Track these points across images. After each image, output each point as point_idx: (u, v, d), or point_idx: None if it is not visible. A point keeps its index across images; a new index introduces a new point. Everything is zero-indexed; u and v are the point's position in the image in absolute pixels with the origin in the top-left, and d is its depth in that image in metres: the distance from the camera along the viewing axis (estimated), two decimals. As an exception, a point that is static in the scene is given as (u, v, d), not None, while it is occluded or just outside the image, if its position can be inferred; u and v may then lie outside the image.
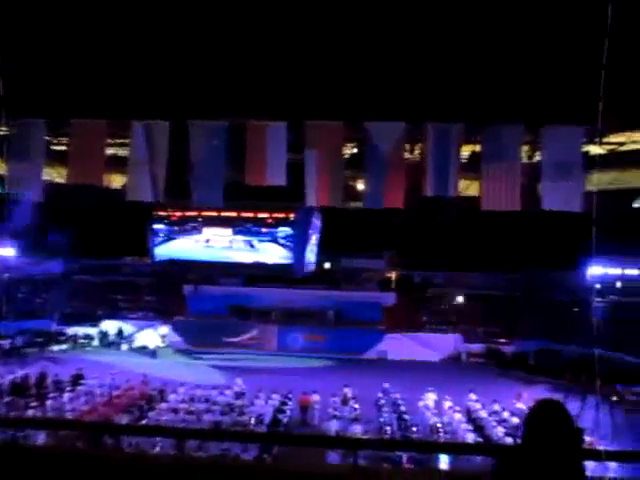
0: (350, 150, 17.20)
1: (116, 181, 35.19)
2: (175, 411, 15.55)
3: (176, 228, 22.68)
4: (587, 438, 13.94)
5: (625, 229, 23.94)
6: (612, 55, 6.59)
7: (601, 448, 9.26)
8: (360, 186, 27.64)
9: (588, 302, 26.25)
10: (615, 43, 6.60)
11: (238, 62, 18.57)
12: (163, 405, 16.45)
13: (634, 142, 25.10)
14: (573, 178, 12.05)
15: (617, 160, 26.37)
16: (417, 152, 16.70)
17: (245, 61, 18.52)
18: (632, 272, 27.51)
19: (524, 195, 14.71)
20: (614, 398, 20.92)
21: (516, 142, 12.02)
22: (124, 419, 14.80)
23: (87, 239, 32.19)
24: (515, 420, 15.78)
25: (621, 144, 25.34)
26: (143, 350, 29.13)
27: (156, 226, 22.79)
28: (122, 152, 25.29)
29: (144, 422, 14.55)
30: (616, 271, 27.70)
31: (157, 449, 10.95)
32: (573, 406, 19.69)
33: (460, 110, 15.88)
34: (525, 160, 17.95)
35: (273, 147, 13.00)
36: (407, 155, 16.82)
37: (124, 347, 29.53)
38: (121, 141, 23.58)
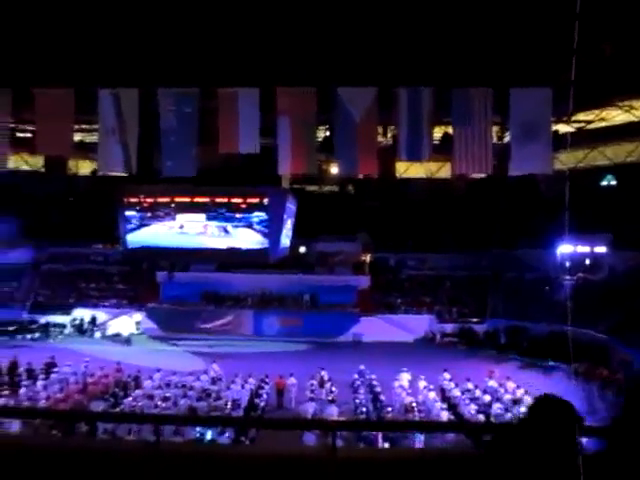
0: (323, 133, 17.13)
1: (84, 167, 34.41)
2: (150, 397, 15.45)
3: (149, 214, 22.17)
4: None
5: (593, 207, 24.57)
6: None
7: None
8: (333, 170, 27.67)
9: (557, 280, 27.04)
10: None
11: (209, 27, 18.12)
12: (138, 392, 16.33)
13: (602, 120, 25.62)
14: (542, 140, 12.18)
15: (585, 138, 26.92)
16: (390, 135, 16.74)
17: (216, 26, 18.08)
18: (600, 249, 28.23)
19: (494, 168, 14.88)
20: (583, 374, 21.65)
21: (485, 104, 12.07)
22: (99, 406, 14.63)
23: (56, 227, 31.43)
24: (487, 398, 16.25)
25: (589, 122, 25.84)
26: (117, 338, 28.80)
27: (128, 213, 22.23)
28: (89, 138, 24.64)
29: (119, 409, 14.44)
30: (585, 249, 28.35)
31: (131, 436, 10.90)
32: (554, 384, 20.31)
33: (430, 74, 15.84)
34: (495, 140, 18.21)
35: (245, 114, 12.80)
36: (380, 138, 16.88)
37: (97, 335, 29.11)
38: (88, 127, 22.94)
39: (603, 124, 25.63)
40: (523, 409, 14.93)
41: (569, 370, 21.66)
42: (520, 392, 16.66)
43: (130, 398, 15.66)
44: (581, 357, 21.34)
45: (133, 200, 22.54)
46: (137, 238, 22.60)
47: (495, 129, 17.12)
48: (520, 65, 16.68)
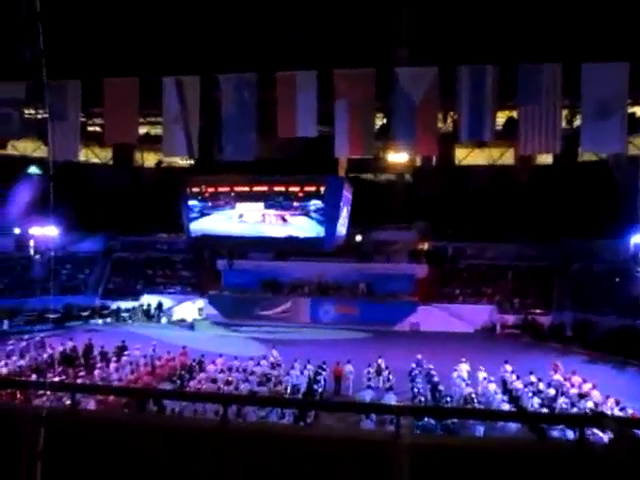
0: (380, 121, 16.96)
1: (150, 159, 36.07)
2: (214, 381, 16.12)
3: (210, 203, 23.00)
4: (630, 409, 13.77)
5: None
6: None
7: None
8: (390, 157, 27.33)
9: (630, 272, 25.43)
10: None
11: (267, 12, 18.35)
12: (202, 375, 17.08)
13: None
14: (616, 118, 11.43)
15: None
16: (449, 121, 16.30)
17: (275, 11, 18.27)
18: (677, 240, 26.19)
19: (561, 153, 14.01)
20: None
21: (555, 81, 11.46)
22: (167, 387, 15.48)
23: (125, 217, 33.26)
24: (551, 391, 15.65)
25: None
26: (182, 323, 30.19)
27: (190, 202, 23.18)
28: (154, 130, 25.78)
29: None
30: (659, 239, 26.40)
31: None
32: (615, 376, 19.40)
33: (494, 52, 15.19)
34: (565, 125, 17.26)
35: (303, 97, 12.94)
36: (440, 125, 16.46)
37: (164, 320, 30.63)
38: (153, 119, 24.00)
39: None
40: (590, 404, 14.29)
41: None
42: (587, 387, 15.91)
43: (195, 381, 16.43)
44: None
45: (195, 190, 23.45)
46: (199, 226, 23.54)
47: (564, 112, 16.20)
48: (593, 40, 15.64)
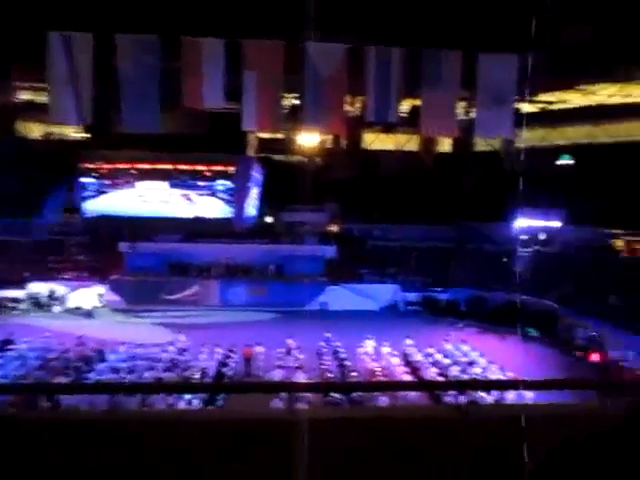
0: (291, 102, 16.85)
1: (35, 131, 32.55)
2: (116, 371, 15.30)
3: (107, 182, 21.39)
4: (509, 373, 15.36)
5: (550, 184, 25.57)
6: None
7: (521, 379, 10.20)
8: (301, 138, 27.41)
9: (515, 252, 28.15)
10: None
11: None
12: (102, 365, 16.12)
13: (562, 102, 26.49)
14: (506, 105, 12.45)
15: (546, 118, 27.90)
16: (358, 105, 16.62)
17: None
18: (555, 224, 29.63)
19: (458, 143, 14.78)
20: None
21: (454, 68, 12.16)
22: (62, 381, 14.37)
23: (6, 196, 29.93)
24: (446, 361, 17.00)
25: (550, 103, 26.64)
26: (78, 311, 28.08)
27: (84, 179, 21.35)
28: (39, 99, 23.22)
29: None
30: (540, 223, 29.68)
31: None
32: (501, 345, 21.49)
33: (401, 37, 15.59)
34: (463, 116, 18.41)
35: (210, 66, 12.32)
36: (348, 108, 16.74)
37: (57, 309, 28.26)
38: (38, 85, 21.52)
39: (564, 106, 26.52)
40: (478, 370, 15.77)
41: (521, 335, 23.02)
42: (474, 354, 17.62)
43: (94, 372, 15.46)
44: (533, 323, 22.83)
45: (90, 166, 21.65)
46: (95, 207, 21.88)
47: (462, 104, 17.25)
48: (490, 33, 16.67)
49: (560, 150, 30.68)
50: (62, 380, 14.55)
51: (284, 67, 12.21)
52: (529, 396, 10.44)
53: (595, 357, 19.73)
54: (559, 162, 30.81)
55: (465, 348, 18.52)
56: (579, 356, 20.68)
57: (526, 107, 23.51)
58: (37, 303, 28.27)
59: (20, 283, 29.13)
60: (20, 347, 17.68)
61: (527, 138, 27.31)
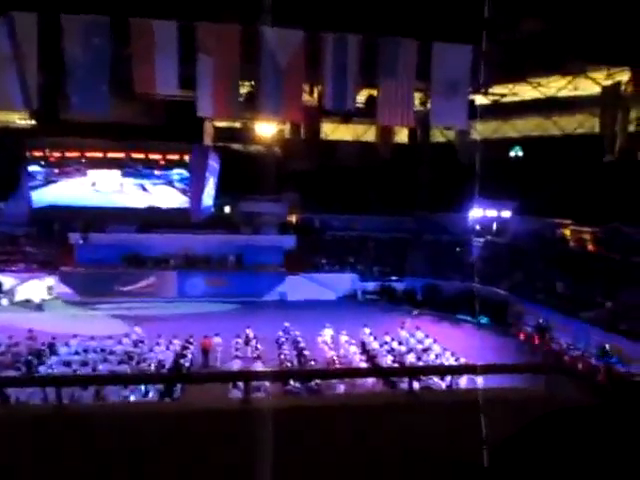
0: (247, 89, 16.65)
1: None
2: (68, 364, 14.87)
3: (56, 170, 20.42)
4: (463, 359, 15.96)
5: (502, 175, 26.45)
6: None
7: (471, 365, 10.69)
8: (258, 128, 27.13)
9: (469, 242, 29.09)
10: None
11: None
12: (54, 359, 15.63)
13: (514, 94, 27.27)
14: (460, 95, 12.74)
15: (499, 111, 28.69)
16: (315, 95, 16.64)
17: None
18: (506, 214, 30.74)
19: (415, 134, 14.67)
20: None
21: (410, 57, 12.34)
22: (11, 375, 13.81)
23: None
24: (402, 348, 17.47)
25: (503, 95, 27.40)
26: (27, 304, 26.95)
27: (31, 168, 20.33)
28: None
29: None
30: (493, 213, 30.69)
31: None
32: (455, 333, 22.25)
33: (358, 23, 15.58)
34: (418, 107, 18.74)
35: (162, 49, 11.91)
36: (307, 97, 16.71)
37: (4, 302, 27.04)
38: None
39: (515, 99, 27.29)
40: (432, 356, 16.31)
41: (474, 322, 23.93)
42: (428, 341, 18.19)
43: (45, 366, 14.98)
44: (484, 311, 23.74)
45: (38, 154, 20.63)
46: (44, 196, 20.94)
47: (418, 95, 17.58)
48: (445, 23, 16.92)
49: (512, 142, 31.70)
50: (12, 374, 14.01)
51: (240, 54, 12.03)
52: (480, 382, 10.94)
53: (540, 342, 20.81)
54: (511, 154, 31.89)
55: (420, 335, 19.08)
56: (526, 342, 21.73)
57: (479, 99, 24.16)
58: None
59: (-37, 276, 27.67)
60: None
61: (481, 130, 28.07)
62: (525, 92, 26.71)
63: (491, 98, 26.55)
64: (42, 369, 14.67)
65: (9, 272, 28.51)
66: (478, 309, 23.26)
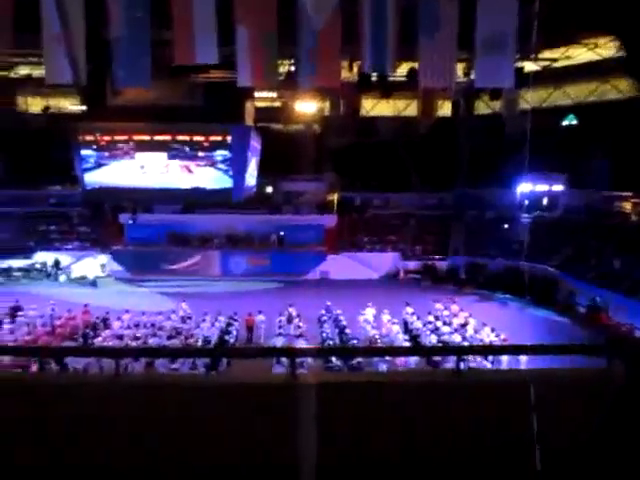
0: (285, 68, 16.54)
1: (34, 105, 32.21)
2: (120, 337, 15.64)
3: (106, 154, 21.18)
4: (502, 335, 15.65)
5: (553, 146, 25.11)
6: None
7: (515, 344, 10.44)
8: (298, 106, 27.02)
9: (516, 218, 28.08)
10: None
11: None
12: (107, 332, 16.47)
13: (567, 58, 25.46)
14: (506, 52, 12.19)
15: (550, 77, 26.91)
16: (355, 71, 16.31)
17: None
18: (558, 188, 29.20)
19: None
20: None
21: (452, 13, 11.84)
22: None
23: (6, 168, 29.87)
24: (446, 329, 17.23)
25: (554, 60, 25.68)
26: (82, 280, 28.49)
27: (83, 152, 21.21)
28: (37, 72, 22.87)
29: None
30: (543, 187, 29.23)
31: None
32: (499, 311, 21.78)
33: None
34: (462, 78, 18.04)
35: (201, 16, 12.03)
36: (346, 74, 16.41)
37: (62, 278, 28.70)
38: (36, 60, 21.20)
39: (567, 63, 25.56)
40: (476, 336, 16.06)
41: (521, 302, 23.22)
42: (473, 321, 17.80)
43: (99, 338, 15.81)
44: (532, 290, 22.85)
45: (89, 138, 21.43)
46: (95, 178, 21.79)
47: (461, 66, 16.88)
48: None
49: (564, 110, 29.88)
50: (70, 345, 14.91)
51: (277, 22, 11.93)
52: (524, 360, 10.70)
53: (596, 321, 19.86)
54: (564, 122, 30.14)
55: (464, 315, 18.77)
56: (579, 321, 20.90)
57: (528, 66, 22.82)
58: (43, 272, 28.67)
59: (26, 253, 29.47)
60: (28, 314, 18.06)
61: (530, 99, 26.52)
62: (579, 55, 24.97)
63: (541, 64, 25.02)
64: (97, 342, 15.50)
65: (65, 250, 30.18)
66: (525, 288, 22.49)
